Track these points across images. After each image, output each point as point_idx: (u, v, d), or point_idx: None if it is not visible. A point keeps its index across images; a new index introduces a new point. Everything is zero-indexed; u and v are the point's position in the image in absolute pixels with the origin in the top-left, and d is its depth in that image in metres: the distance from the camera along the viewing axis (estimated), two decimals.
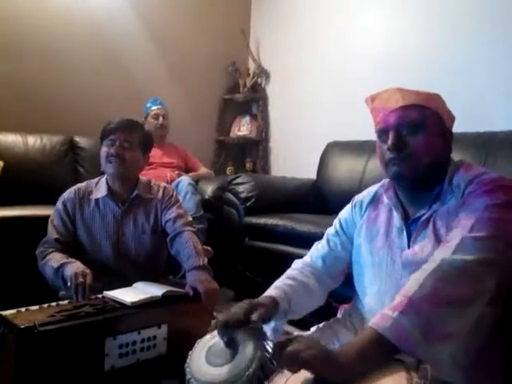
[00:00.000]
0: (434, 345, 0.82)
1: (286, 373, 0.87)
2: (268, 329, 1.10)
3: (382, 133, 1.06)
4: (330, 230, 1.27)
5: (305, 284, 1.16)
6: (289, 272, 1.21)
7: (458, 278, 0.85)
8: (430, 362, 0.78)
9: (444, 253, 0.89)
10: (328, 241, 1.24)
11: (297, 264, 1.24)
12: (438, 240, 0.98)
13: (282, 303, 1.07)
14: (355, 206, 1.22)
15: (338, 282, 1.25)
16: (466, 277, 0.85)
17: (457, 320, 0.84)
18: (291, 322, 1.24)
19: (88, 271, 1.50)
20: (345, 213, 1.25)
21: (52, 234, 1.69)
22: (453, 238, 0.91)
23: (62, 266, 1.55)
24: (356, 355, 0.80)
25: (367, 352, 0.80)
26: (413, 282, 0.87)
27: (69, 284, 1.46)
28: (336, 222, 1.27)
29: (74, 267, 1.53)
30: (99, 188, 1.75)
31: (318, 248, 1.25)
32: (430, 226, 1.01)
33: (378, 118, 1.08)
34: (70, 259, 1.59)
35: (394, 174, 1.05)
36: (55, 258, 1.60)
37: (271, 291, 1.11)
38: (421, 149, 1.01)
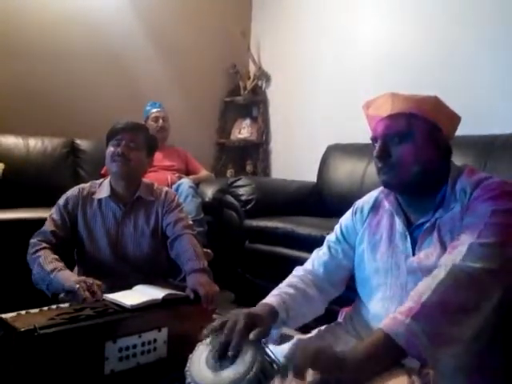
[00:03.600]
0: (439, 348, 0.82)
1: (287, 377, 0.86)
2: None
3: (373, 141, 1.08)
4: (331, 237, 1.25)
5: (305, 293, 1.15)
6: (289, 279, 1.20)
7: (467, 285, 0.86)
8: (432, 366, 0.78)
9: (453, 259, 0.89)
10: (329, 248, 1.23)
11: (298, 271, 1.23)
12: (444, 247, 0.99)
13: (280, 313, 1.06)
14: (356, 212, 1.22)
15: (340, 291, 1.23)
16: (475, 284, 0.86)
17: (463, 325, 0.84)
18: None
19: (91, 279, 1.50)
20: (346, 219, 1.24)
21: (49, 226, 1.69)
22: (460, 244, 0.91)
23: (53, 271, 1.55)
24: (365, 357, 0.81)
25: (376, 354, 0.81)
26: (424, 288, 0.87)
27: (76, 287, 1.45)
28: (337, 228, 1.26)
29: (69, 274, 1.54)
30: (102, 188, 1.77)
31: (320, 255, 1.24)
32: (435, 233, 1.01)
33: (371, 125, 1.10)
34: (61, 264, 1.59)
35: (383, 182, 1.08)
36: (47, 259, 1.59)
37: (271, 299, 1.10)
38: (405, 158, 1.02)
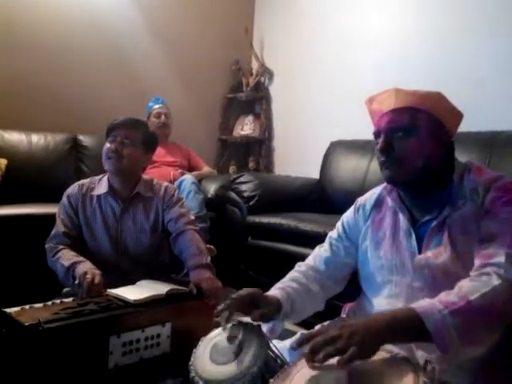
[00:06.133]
0: (465, 347, 0.84)
1: (291, 372, 0.87)
2: (264, 328, 1.09)
3: (376, 136, 1.08)
4: (333, 234, 1.25)
5: (308, 288, 1.15)
6: (292, 274, 1.20)
7: (510, 295, 0.87)
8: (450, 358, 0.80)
9: (496, 269, 0.89)
10: (331, 245, 1.23)
11: (300, 267, 1.23)
12: (455, 247, 0.98)
13: (284, 306, 1.08)
14: (358, 209, 1.21)
15: (341, 287, 1.24)
16: None
17: (492, 331, 0.87)
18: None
19: (98, 271, 1.52)
20: (348, 217, 1.24)
21: (60, 227, 1.70)
22: (495, 254, 0.91)
23: (72, 265, 1.57)
24: (386, 322, 0.82)
25: (399, 325, 0.82)
26: (472, 289, 0.87)
27: (77, 281, 1.48)
28: (339, 225, 1.25)
29: (86, 267, 1.55)
30: (101, 185, 1.76)
31: (321, 251, 1.24)
32: (445, 233, 1.01)
33: (374, 120, 1.09)
34: (80, 258, 1.61)
35: (386, 177, 1.07)
36: (66, 257, 1.61)
37: (275, 291, 1.11)
38: (409, 153, 1.01)
